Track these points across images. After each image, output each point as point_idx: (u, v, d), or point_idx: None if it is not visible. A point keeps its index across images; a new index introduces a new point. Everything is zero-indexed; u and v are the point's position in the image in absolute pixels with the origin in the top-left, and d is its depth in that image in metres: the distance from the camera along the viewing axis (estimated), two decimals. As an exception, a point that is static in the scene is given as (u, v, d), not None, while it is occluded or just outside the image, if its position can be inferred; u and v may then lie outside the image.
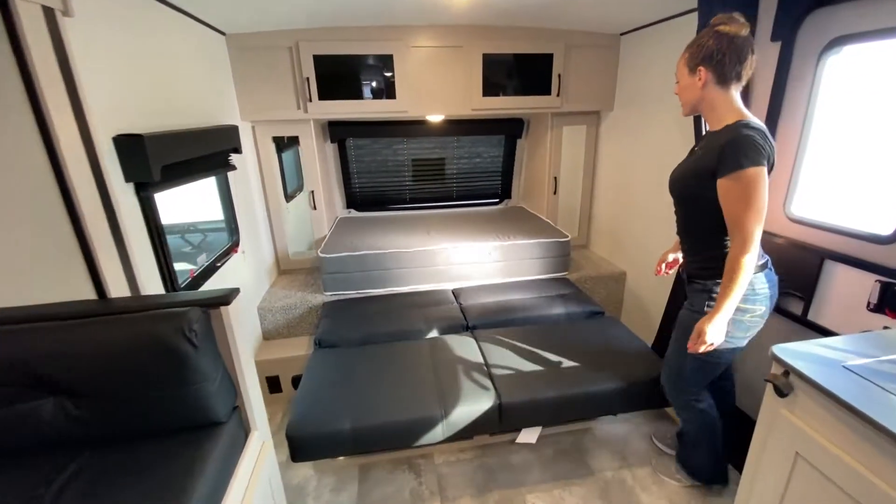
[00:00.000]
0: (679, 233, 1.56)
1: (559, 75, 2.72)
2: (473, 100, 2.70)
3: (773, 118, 1.78)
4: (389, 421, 1.62)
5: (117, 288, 1.21)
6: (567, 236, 2.75)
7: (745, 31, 1.26)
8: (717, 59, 1.28)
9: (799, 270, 1.71)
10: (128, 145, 1.34)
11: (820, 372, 1.07)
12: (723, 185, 1.27)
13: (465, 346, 2.06)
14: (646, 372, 1.83)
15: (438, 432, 1.65)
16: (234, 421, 1.22)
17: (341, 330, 2.20)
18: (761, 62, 1.79)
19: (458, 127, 3.29)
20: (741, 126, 1.26)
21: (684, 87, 1.40)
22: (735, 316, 1.38)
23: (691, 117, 1.85)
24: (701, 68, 1.32)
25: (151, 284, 1.45)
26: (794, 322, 1.74)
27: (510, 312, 2.33)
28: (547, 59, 2.69)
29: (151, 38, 1.62)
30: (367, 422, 1.61)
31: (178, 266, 1.86)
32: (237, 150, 2.18)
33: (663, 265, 1.77)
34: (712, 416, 1.66)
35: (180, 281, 1.66)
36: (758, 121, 1.31)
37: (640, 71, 2.62)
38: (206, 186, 2.13)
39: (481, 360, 1.95)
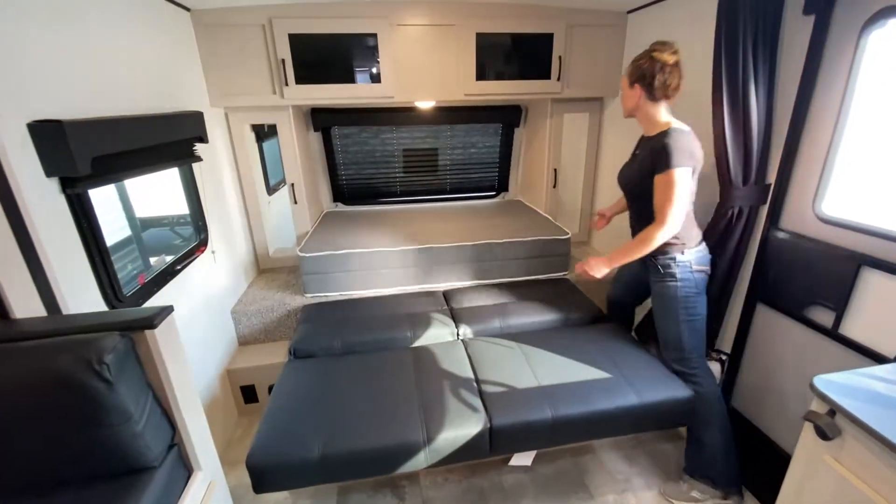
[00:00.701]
0: (634, 220, 1.84)
1: (560, 57, 2.48)
2: (466, 84, 2.47)
3: (802, 103, 1.56)
4: (364, 448, 1.42)
5: (26, 306, 1.01)
6: (567, 234, 2.54)
7: (673, 59, 1.52)
8: (647, 80, 1.56)
9: (829, 277, 1.50)
10: (46, 134, 1.13)
11: (875, 414, 0.87)
12: (656, 180, 1.57)
13: (453, 357, 1.87)
14: (656, 389, 1.64)
15: (420, 459, 1.46)
16: (170, 462, 1.03)
17: (320, 337, 2.01)
18: (791, 39, 1.57)
19: (452, 115, 3.06)
20: (671, 132, 1.56)
21: (625, 97, 1.67)
22: (697, 274, 1.67)
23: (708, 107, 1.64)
24: (636, 85, 1.60)
25: (84, 298, 1.25)
26: (823, 335, 1.54)
27: (504, 317, 2.13)
28: (547, 40, 2.45)
29: (94, 11, 1.40)
30: (338, 448, 1.42)
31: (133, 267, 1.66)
32: (202, 140, 1.96)
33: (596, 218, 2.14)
34: (716, 384, 1.77)
35: (127, 290, 1.46)
36: (685, 126, 1.60)
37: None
38: (168, 180, 1.93)
39: (471, 373, 1.76)
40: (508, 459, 1.76)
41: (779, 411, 1.77)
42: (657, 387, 1.65)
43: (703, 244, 1.71)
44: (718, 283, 1.86)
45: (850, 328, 1.47)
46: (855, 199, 1.47)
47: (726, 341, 1.99)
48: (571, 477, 1.89)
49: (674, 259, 1.67)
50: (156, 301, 1.62)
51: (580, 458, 1.98)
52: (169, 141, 1.70)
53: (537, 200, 3.12)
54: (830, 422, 0.93)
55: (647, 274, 1.80)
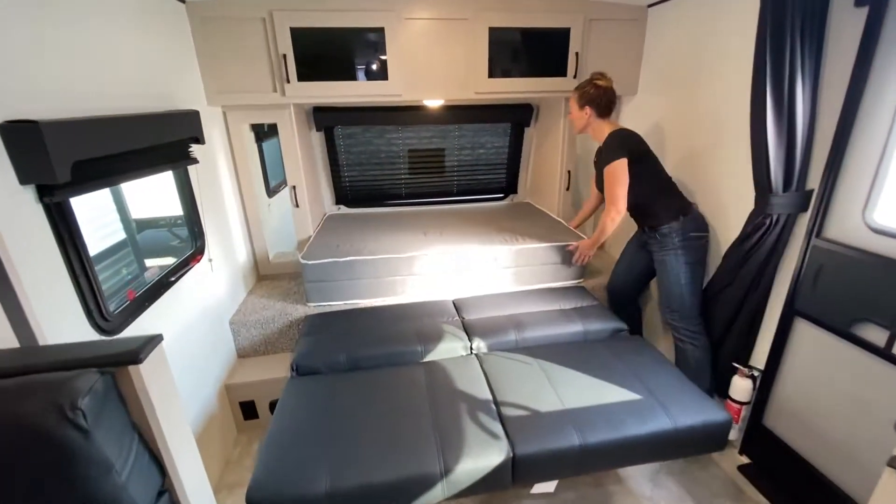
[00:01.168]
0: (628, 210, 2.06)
1: (577, 54, 2.35)
2: (478, 82, 2.34)
3: (852, 102, 1.43)
4: (376, 481, 1.30)
5: (-7, 334, 0.88)
6: (583, 238, 2.41)
7: (611, 85, 1.98)
8: (596, 102, 1.97)
9: (883, 292, 1.38)
10: (20, 136, 1.00)
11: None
12: (604, 173, 1.97)
13: (468, 375, 1.74)
14: (691, 412, 1.51)
15: (437, 492, 1.33)
16: (159, 511, 0.90)
17: (324, 351, 1.88)
18: (840, 34, 1.44)
19: (459, 114, 2.92)
20: (610, 135, 1.97)
21: (576, 117, 2.06)
22: (695, 241, 1.94)
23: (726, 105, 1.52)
24: (587, 107, 2.00)
25: (63, 321, 1.12)
26: (875, 356, 1.42)
27: (519, 330, 2.00)
28: (563, 35, 2.32)
29: (75, 3, 1.26)
30: (347, 481, 1.29)
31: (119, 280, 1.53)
32: (198, 140, 1.83)
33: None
34: (707, 339, 2.01)
35: (113, 308, 1.33)
36: (624, 129, 1.99)
37: (668, 49, 2.26)
38: (165, 180, 1.80)
39: (488, 393, 1.63)
40: (530, 486, 1.64)
41: (819, 433, 1.64)
42: (692, 410, 1.52)
43: (696, 210, 1.97)
44: (745, 296, 1.75)
45: (906, 348, 1.34)
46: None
47: (759, 355, 1.86)
48: (596, 502, 1.77)
49: (672, 229, 1.93)
50: (147, 317, 1.49)
51: (604, 482, 1.85)
52: (161, 142, 1.56)
53: (548, 203, 2.99)
54: (922, 471, 0.81)
55: (645, 253, 2.13)
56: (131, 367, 0.81)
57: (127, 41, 1.51)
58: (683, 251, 1.93)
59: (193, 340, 1.84)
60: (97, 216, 2.07)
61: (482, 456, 1.36)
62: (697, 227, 1.94)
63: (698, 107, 2.07)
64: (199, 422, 1.82)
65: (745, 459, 1.94)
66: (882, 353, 1.39)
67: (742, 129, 1.76)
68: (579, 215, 2.56)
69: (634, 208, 2.05)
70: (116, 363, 0.81)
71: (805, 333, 1.67)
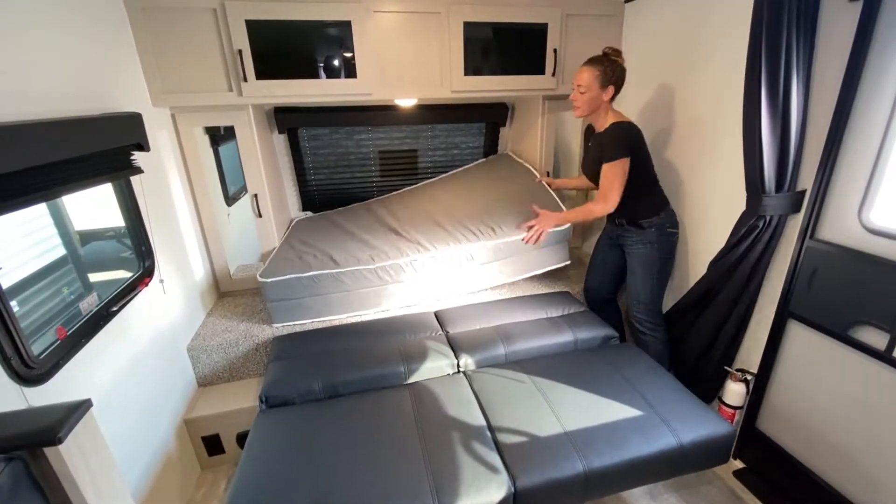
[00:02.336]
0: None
1: (555, 50, 2.26)
2: (454, 80, 2.20)
3: (846, 100, 1.39)
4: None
5: None
6: (556, 207, 2.25)
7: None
8: (619, 84, 1.84)
9: (883, 294, 1.34)
10: None
11: None
12: (604, 168, 1.86)
13: (458, 397, 1.61)
14: (695, 426, 1.44)
15: (432, 538, 1.20)
16: None
17: (295, 379, 1.70)
18: (832, 29, 1.40)
19: (432, 114, 2.77)
20: (617, 126, 1.85)
21: (593, 97, 1.84)
22: (666, 237, 1.96)
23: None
24: (611, 87, 1.82)
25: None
26: (876, 359, 1.38)
27: (508, 342, 1.89)
28: (540, 31, 2.22)
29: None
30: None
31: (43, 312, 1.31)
32: (141, 147, 1.61)
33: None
34: (666, 333, 2.09)
35: (40, 349, 1.11)
36: (628, 121, 1.88)
37: (646, 44, 2.20)
38: (108, 191, 1.57)
39: (482, 419, 1.50)
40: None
41: (815, 437, 1.61)
42: (695, 424, 1.45)
43: (670, 205, 1.97)
44: (735, 300, 1.70)
45: (907, 352, 1.31)
46: (912, 207, 1.31)
47: (751, 359, 1.82)
48: (594, 523, 1.68)
49: (653, 223, 1.93)
50: (85, 356, 1.27)
51: (602, 498, 1.77)
52: (96, 151, 1.34)
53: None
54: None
55: (617, 250, 2.12)
56: (48, 449, 0.62)
57: (51, 35, 1.28)
58: (658, 245, 1.95)
59: (145, 374, 1.62)
60: (25, 234, 1.80)
61: (482, 493, 1.23)
62: (672, 223, 1.97)
63: (679, 104, 2.02)
64: (156, 465, 1.61)
65: (739, 464, 1.91)
66: (882, 356, 1.36)
67: (728, 128, 1.72)
68: (565, 181, 2.45)
69: (620, 204, 1.94)
70: (29, 445, 0.62)
71: (799, 336, 1.64)
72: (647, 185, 1.95)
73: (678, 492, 1.80)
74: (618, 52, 1.83)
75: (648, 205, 1.94)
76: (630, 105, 2.36)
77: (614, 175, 1.83)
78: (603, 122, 1.91)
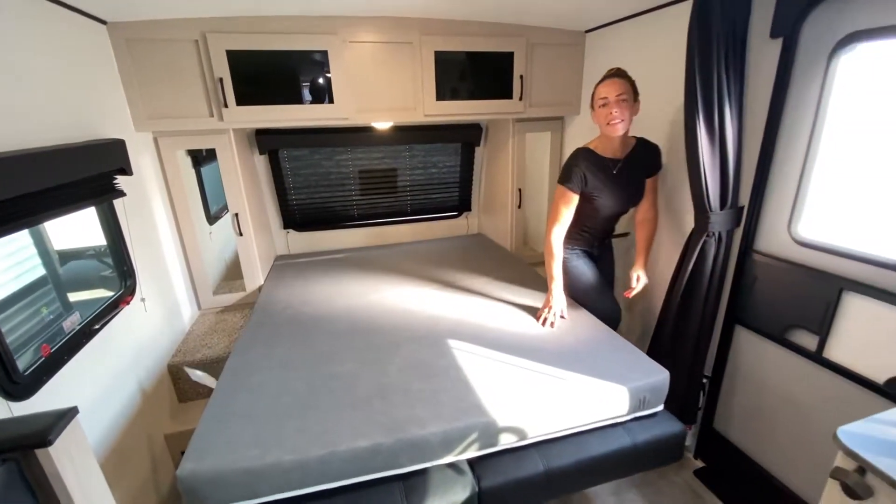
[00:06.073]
0: (607, 234, 2.10)
1: (521, 76, 2.41)
2: (426, 104, 2.34)
3: (773, 126, 1.55)
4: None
5: None
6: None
7: None
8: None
9: (810, 301, 1.48)
10: None
11: (913, 473, 0.79)
12: (653, 179, 1.94)
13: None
14: (648, 426, 1.54)
15: (402, 539, 1.27)
16: None
17: None
18: (759, 62, 1.56)
19: (410, 134, 2.90)
20: (644, 140, 1.92)
21: (633, 112, 1.75)
22: None
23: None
24: (638, 102, 1.78)
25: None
26: (807, 359, 1.52)
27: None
28: (507, 59, 2.37)
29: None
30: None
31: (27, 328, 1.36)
32: (124, 171, 1.68)
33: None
34: None
35: (25, 364, 1.17)
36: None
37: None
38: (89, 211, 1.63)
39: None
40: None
41: (765, 434, 1.73)
42: (648, 424, 1.55)
43: None
44: (702, 310, 1.81)
45: (834, 352, 1.45)
46: (832, 221, 1.46)
47: (707, 363, 1.94)
48: (562, 524, 1.76)
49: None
50: (68, 372, 1.33)
51: (570, 500, 1.85)
52: (81, 177, 1.41)
53: (502, 222, 3.02)
54: (860, 481, 0.86)
55: (595, 261, 2.09)
56: (39, 451, 0.70)
57: (37, 66, 1.37)
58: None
59: (127, 390, 1.67)
60: (5, 255, 1.85)
61: (448, 494, 1.31)
62: None
63: (635, 129, 2.17)
64: (137, 480, 1.65)
65: (700, 463, 2.02)
66: (814, 356, 1.49)
67: (677, 151, 1.86)
68: (641, 250, 2.00)
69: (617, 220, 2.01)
70: (21, 447, 0.70)
71: (745, 341, 1.77)
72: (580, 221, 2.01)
73: (642, 491, 1.90)
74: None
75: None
76: (592, 128, 2.51)
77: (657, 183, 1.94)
78: (629, 140, 1.84)
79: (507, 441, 1.40)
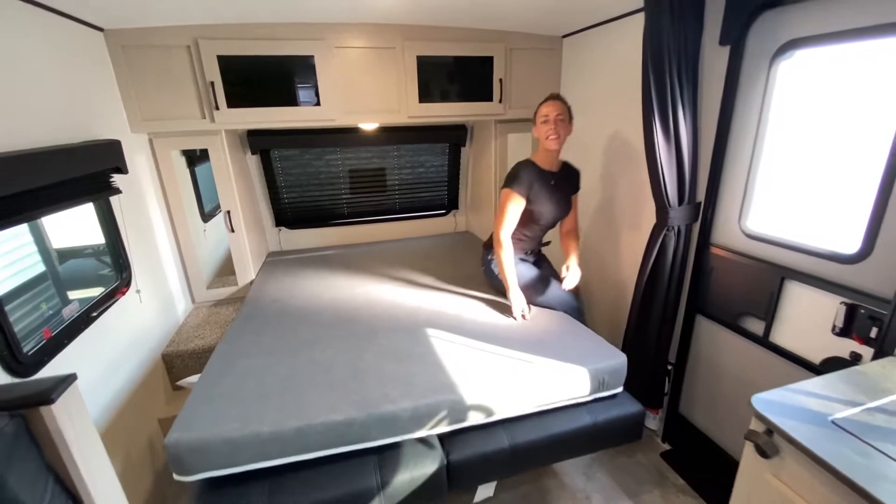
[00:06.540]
0: (538, 241, 2.25)
1: (500, 80, 2.53)
2: (410, 106, 2.45)
3: (723, 126, 1.66)
4: (313, 500, 1.32)
5: None
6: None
7: None
8: None
9: (757, 289, 1.60)
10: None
11: (808, 432, 0.91)
12: (578, 196, 2.20)
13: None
14: (608, 408, 1.65)
15: (375, 506, 1.38)
16: (77, 552, 0.89)
17: None
18: (709, 67, 1.67)
19: (397, 135, 3.02)
20: (565, 162, 2.13)
21: (568, 132, 1.97)
22: None
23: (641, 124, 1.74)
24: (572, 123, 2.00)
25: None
26: (756, 344, 1.63)
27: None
28: (487, 63, 2.49)
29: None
30: (287, 498, 1.31)
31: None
32: (120, 170, 1.79)
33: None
34: None
35: (28, 348, 1.28)
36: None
37: (583, 75, 2.48)
38: (86, 211, 1.74)
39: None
40: (469, 493, 1.71)
41: (724, 417, 1.85)
42: (609, 405, 1.67)
43: None
44: (664, 300, 1.92)
45: (778, 336, 1.56)
46: (776, 215, 1.58)
47: (671, 350, 2.06)
48: (534, 500, 1.87)
49: None
50: (67, 356, 1.44)
51: (542, 480, 1.96)
52: (79, 175, 1.52)
53: (487, 220, 3.13)
54: (769, 441, 0.97)
55: (538, 267, 2.22)
56: (43, 408, 0.81)
57: (38, 72, 1.48)
58: None
59: (122, 376, 1.78)
60: (7, 251, 1.95)
61: (418, 466, 1.42)
62: None
63: (608, 129, 2.29)
64: (132, 461, 1.76)
65: (667, 446, 2.13)
66: (761, 341, 1.61)
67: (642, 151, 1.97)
68: (570, 251, 2.11)
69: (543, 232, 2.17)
70: (27, 405, 0.81)
71: (704, 328, 1.88)
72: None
73: (610, 472, 2.01)
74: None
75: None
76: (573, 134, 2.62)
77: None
78: (557, 158, 2.02)
79: (475, 419, 1.51)
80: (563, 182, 2.07)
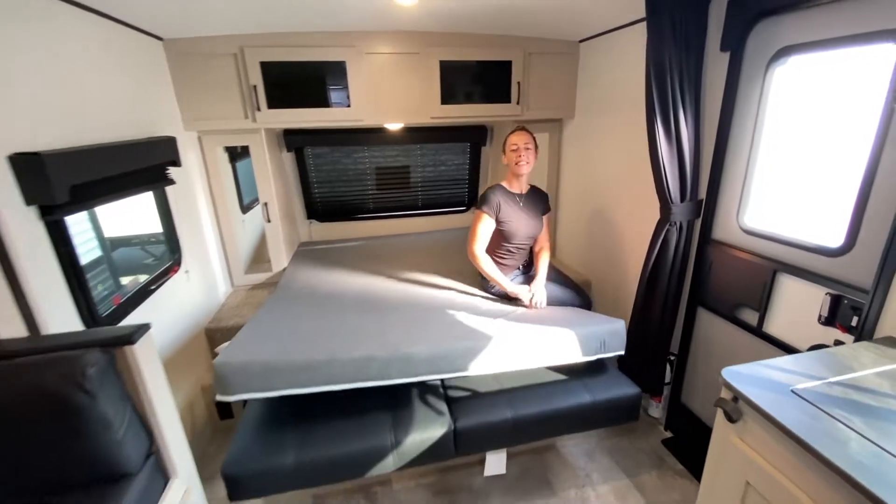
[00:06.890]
0: (525, 258, 2.38)
1: (518, 83, 2.67)
2: (432, 108, 2.63)
3: (724, 129, 1.76)
4: (335, 453, 1.51)
5: (8, 327, 1.08)
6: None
7: None
8: None
9: (752, 282, 1.69)
10: (26, 165, 1.20)
11: (768, 398, 1.02)
12: (548, 217, 2.38)
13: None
14: (607, 388, 1.78)
15: (389, 462, 1.56)
16: (148, 469, 1.10)
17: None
18: (712, 72, 1.77)
19: (421, 134, 3.20)
20: (533, 185, 2.38)
21: (534, 159, 2.21)
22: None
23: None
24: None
25: (62, 319, 1.31)
26: (750, 333, 1.72)
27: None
28: (506, 67, 2.64)
29: (72, 44, 1.48)
30: (311, 454, 1.50)
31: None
32: (175, 163, 2.04)
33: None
34: None
35: (103, 311, 1.52)
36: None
37: (599, 78, 2.59)
38: (139, 200, 1.99)
39: (439, 381, 1.86)
40: (479, 463, 1.87)
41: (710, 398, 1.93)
42: (608, 386, 1.79)
43: None
44: (665, 292, 2.02)
45: (771, 326, 1.65)
46: (771, 211, 1.67)
47: (673, 343, 2.15)
48: (536, 474, 2.01)
49: None
50: (130, 320, 1.68)
51: (544, 455, 2.10)
52: (143, 166, 1.77)
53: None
54: (734, 406, 1.08)
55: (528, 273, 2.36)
56: (126, 348, 1.02)
57: (112, 77, 1.73)
58: None
59: (172, 344, 2.02)
60: (77, 233, 2.24)
61: (428, 429, 1.59)
62: None
63: (622, 130, 2.40)
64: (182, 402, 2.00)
65: (668, 434, 2.22)
66: (756, 331, 1.70)
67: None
68: (537, 272, 2.27)
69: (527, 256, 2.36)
70: (114, 344, 1.02)
71: (705, 320, 1.97)
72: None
73: (611, 454, 2.12)
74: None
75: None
76: (587, 128, 2.75)
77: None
78: (525, 182, 2.27)
79: (484, 380, 1.69)
80: (531, 203, 2.28)
